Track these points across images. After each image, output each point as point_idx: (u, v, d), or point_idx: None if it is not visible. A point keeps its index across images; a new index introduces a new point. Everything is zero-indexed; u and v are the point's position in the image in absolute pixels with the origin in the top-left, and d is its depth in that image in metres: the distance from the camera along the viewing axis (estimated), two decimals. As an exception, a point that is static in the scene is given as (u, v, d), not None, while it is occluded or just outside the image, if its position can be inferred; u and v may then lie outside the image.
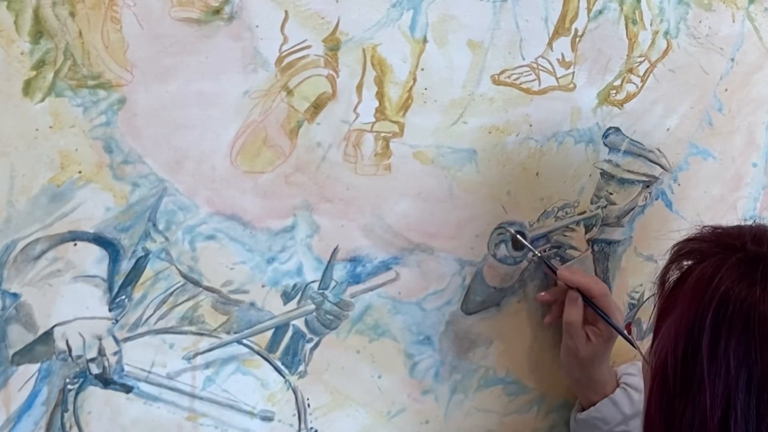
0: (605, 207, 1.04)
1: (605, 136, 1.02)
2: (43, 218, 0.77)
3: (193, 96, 0.80)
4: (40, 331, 0.79)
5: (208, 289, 0.85)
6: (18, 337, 0.78)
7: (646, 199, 1.07)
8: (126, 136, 0.79)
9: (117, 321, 0.82)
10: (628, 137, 1.03)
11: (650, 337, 0.76)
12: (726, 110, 1.09)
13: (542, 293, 1.00)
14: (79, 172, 0.78)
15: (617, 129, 1.02)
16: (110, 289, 0.81)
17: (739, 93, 1.09)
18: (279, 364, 0.89)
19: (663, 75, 1.03)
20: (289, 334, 0.89)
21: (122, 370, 0.83)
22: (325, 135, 0.87)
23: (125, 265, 0.81)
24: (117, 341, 0.82)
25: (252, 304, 0.87)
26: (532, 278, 1.01)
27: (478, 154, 0.94)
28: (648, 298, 1.09)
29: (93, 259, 0.80)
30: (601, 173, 1.03)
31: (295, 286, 0.89)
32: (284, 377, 0.90)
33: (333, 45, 0.85)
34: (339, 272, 0.90)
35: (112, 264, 0.81)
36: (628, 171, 1.04)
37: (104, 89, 0.77)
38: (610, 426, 0.98)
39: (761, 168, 1.14)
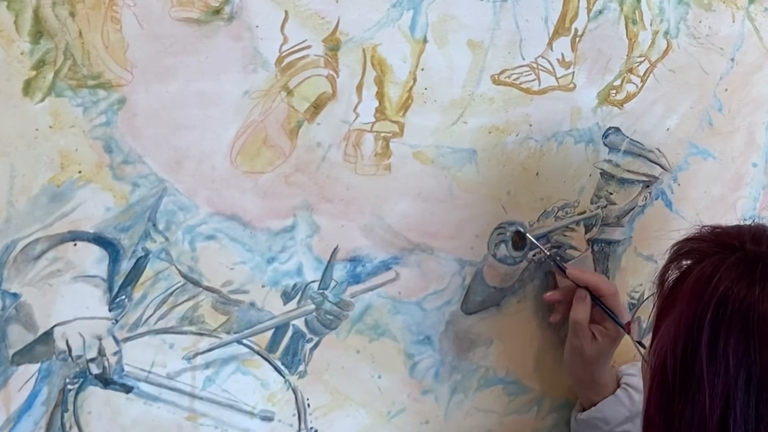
0: (605, 207, 1.04)
1: (605, 136, 1.02)
2: (43, 218, 0.77)
3: (193, 96, 0.80)
4: (40, 331, 0.79)
5: (208, 289, 0.85)
6: (18, 337, 0.78)
7: (646, 199, 1.07)
8: (126, 136, 0.79)
9: (117, 321, 0.82)
10: (628, 137, 1.03)
11: (649, 336, 0.76)
12: (726, 110, 1.09)
13: (549, 293, 1.00)
14: (79, 172, 0.78)
15: (617, 129, 1.02)
16: (110, 289, 0.81)
17: (739, 93, 1.09)
18: (279, 364, 0.89)
19: (663, 75, 1.03)
20: (289, 334, 0.89)
21: (122, 370, 0.83)
22: (325, 135, 0.87)
23: (125, 265, 0.81)
24: (117, 341, 0.82)
25: (252, 304, 0.87)
26: (532, 278, 1.01)
27: (478, 154, 0.94)
28: (647, 297, 1.09)
29: (93, 259, 0.80)
30: (601, 173, 1.03)
31: (295, 286, 0.89)
32: (284, 377, 0.90)
33: (333, 45, 0.85)
34: (339, 272, 0.90)
35: (112, 264, 0.81)
36: (628, 171, 1.04)
37: (104, 89, 0.77)
38: (611, 426, 0.98)
39: (761, 168, 1.14)
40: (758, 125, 1.12)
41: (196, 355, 0.86)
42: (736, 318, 0.66)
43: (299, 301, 0.89)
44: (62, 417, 0.81)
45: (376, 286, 0.93)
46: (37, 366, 0.79)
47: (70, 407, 0.81)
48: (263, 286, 0.87)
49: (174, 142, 0.81)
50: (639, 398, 0.97)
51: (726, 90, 1.08)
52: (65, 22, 0.74)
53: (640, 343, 0.94)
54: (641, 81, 1.02)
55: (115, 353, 0.82)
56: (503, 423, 1.03)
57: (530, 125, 0.96)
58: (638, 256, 1.08)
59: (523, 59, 0.94)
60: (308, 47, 0.84)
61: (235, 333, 0.87)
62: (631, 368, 1.02)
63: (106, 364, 0.82)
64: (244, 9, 0.81)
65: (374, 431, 0.96)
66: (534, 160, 0.97)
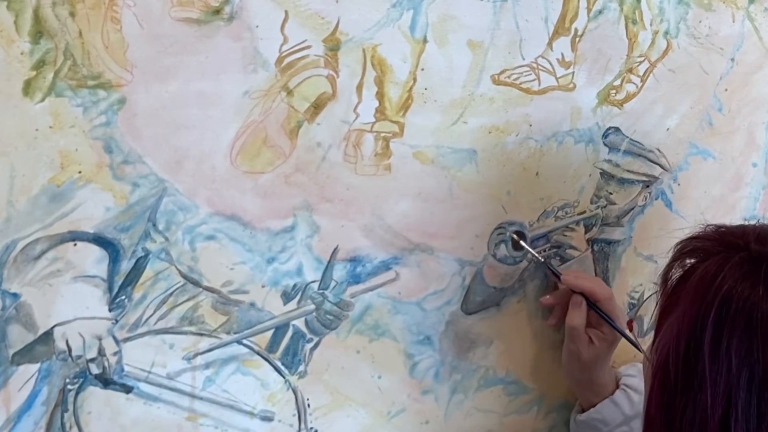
0: (605, 207, 1.04)
1: (605, 136, 1.02)
2: (43, 218, 0.77)
3: (193, 96, 0.80)
4: (40, 331, 0.79)
5: (208, 289, 0.85)
6: (18, 337, 0.78)
7: (645, 199, 1.07)
8: (126, 136, 0.79)
9: (117, 321, 0.82)
10: (627, 137, 1.03)
11: (651, 335, 0.76)
12: (726, 110, 1.09)
13: (546, 297, 1.00)
14: (79, 172, 0.78)
15: (617, 129, 1.02)
16: (110, 289, 0.81)
17: (739, 93, 1.09)
18: (279, 364, 0.89)
19: (663, 75, 1.03)
20: (289, 334, 0.89)
21: (122, 370, 0.83)
22: (325, 135, 0.87)
23: (125, 265, 0.81)
24: (117, 341, 0.82)
25: (252, 305, 0.87)
26: (532, 278, 1.01)
27: (478, 154, 0.94)
28: (648, 297, 1.09)
29: (93, 259, 0.80)
30: (601, 173, 1.03)
31: (295, 286, 0.89)
32: (284, 377, 0.90)
33: (333, 45, 0.85)
34: (339, 272, 0.90)
35: (112, 264, 0.81)
36: (628, 171, 1.04)
37: (104, 89, 0.77)
38: (610, 427, 0.98)
39: (761, 168, 1.14)
40: (758, 125, 1.12)
41: (196, 355, 0.86)
42: (739, 317, 0.66)
43: (299, 302, 0.89)
44: (62, 417, 0.81)
45: (376, 286, 0.93)
46: (37, 366, 0.79)
47: (70, 407, 0.81)
48: (263, 286, 0.87)
49: (174, 142, 0.81)
50: (638, 399, 0.97)
51: (726, 90, 1.08)
52: (65, 22, 0.74)
53: (634, 343, 0.94)
54: (641, 81, 1.02)
55: (115, 353, 0.82)
56: (503, 423, 1.03)
57: (530, 125, 0.96)
58: (638, 256, 1.08)
59: (523, 59, 0.94)
60: (308, 47, 0.84)
61: (235, 333, 0.87)
62: (630, 369, 1.02)
63: (106, 364, 0.82)
64: (244, 9, 0.81)
65: (374, 431, 0.96)
66: (534, 160, 0.97)
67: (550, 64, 0.96)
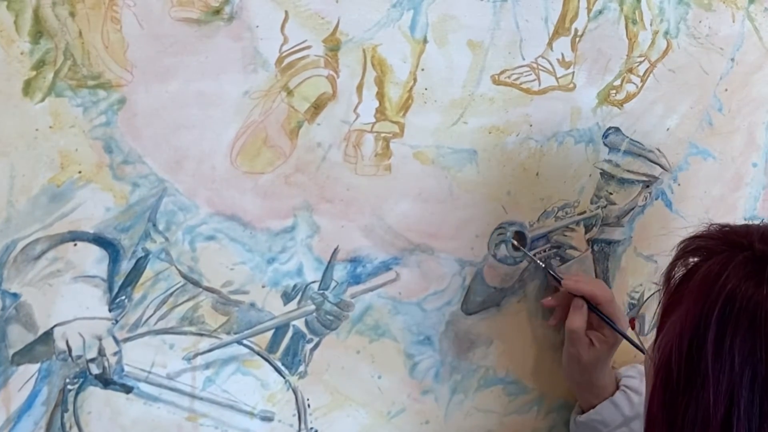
0: (605, 207, 1.04)
1: (605, 136, 1.02)
2: (43, 218, 0.77)
3: (193, 96, 0.80)
4: (40, 331, 0.79)
5: (208, 289, 0.85)
6: (18, 337, 0.78)
7: (646, 199, 1.07)
8: (126, 136, 0.79)
9: (117, 321, 0.82)
10: (628, 137, 1.03)
11: (653, 333, 0.76)
12: (726, 110, 1.09)
13: (547, 299, 1.00)
14: (79, 172, 0.78)
15: (617, 129, 1.02)
16: (110, 289, 0.81)
17: (739, 93, 1.09)
18: (279, 364, 0.89)
19: (663, 75, 1.03)
20: (290, 334, 0.89)
21: (122, 370, 0.83)
22: (325, 135, 0.87)
23: (125, 266, 0.81)
24: (117, 341, 0.82)
25: (252, 305, 0.87)
26: (532, 278, 1.01)
27: (479, 154, 0.94)
28: (648, 297, 1.09)
29: (93, 259, 0.80)
30: (601, 173, 1.03)
31: (295, 286, 0.89)
32: (284, 377, 0.90)
33: (333, 45, 0.85)
34: (339, 272, 0.90)
35: (112, 264, 0.81)
36: (628, 171, 1.04)
37: (104, 89, 0.77)
38: (610, 428, 0.98)
39: (761, 168, 1.14)
40: (758, 125, 1.12)
41: (196, 355, 0.86)
42: (743, 316, 0.66)
43: (299, 302, 0.89)
44: (62, 417, 0.81)
45: (376, 286, 0.93)
46: (37, 366, 0.79)
47: (70, 407, 0.81)
48: (263, 287, 0.87)
49: (174, 142, 0.81)
50: (638, 400, 0.97)
51: (726, 90, 1.08)
52: (65, 22, 0.74)
53: (636, 345, 0.94)
54: (641, 81, 1.02)
55: (115, 353, 0.82)
56: (503, 423, 1.03)
57: (530, 125, 0.96)
58: (638, 256, 1.08)
59: (523, 59, 0.94)
60: (308, 47, 0.84)
61: (235, 333, 0.87)
62: (630, 370, 1.02)
63: (106, 364, 0.82)
64: (244, 9, 0.81)
65: (374, 431, 0.96)
66: (534, 160, 0.97)
67: (550, 64, 0.96)
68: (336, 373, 0.92)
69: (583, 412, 1.01)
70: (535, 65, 0.95)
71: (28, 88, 0.74)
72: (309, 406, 0.92)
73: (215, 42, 0.80)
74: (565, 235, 1.02)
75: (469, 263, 0.97)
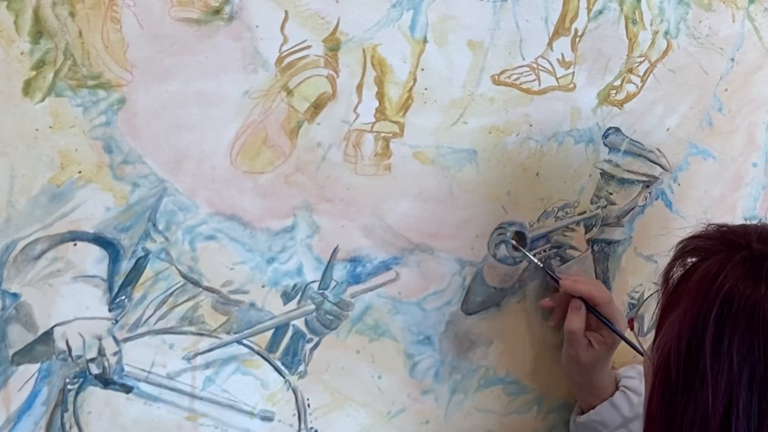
0: (605, 207, 1.04)
1: (605, 136, 1.02)
2: (43, 218, 0.77)
3: (193, 96, 0.80)
4: (40, 331, 0.79)
5: (208, 289, 0.85)
6: (18, 337, 0.78)
7: (646, 199, 1.07)
8: (126, 136, 0.79)
9: (117, 321, 0.82)
10: (628, 137, 1.03)
11: (652, 334, 0.76)
12: (726, 110, 1.09)
13: (545, 299, 1.00)
14: (79, 172, 0.78)
15: (617, 129, 1.02)
16: (110, 289, 0.81)
17: (739, 93, 1.09)
18: (279, 364, 0.89)
19: (663, 75, 1.03)
20: (289, 334, 0.89)
21: (122, 370, 0.83)
22: (325, 135, 0.87)
23: (125, 265, 0.81)
24: (117, 341, 0.82)
25: (252, 305, 0.87)
26: (532, 278, 1.01)
27: (478, 154, 0.94)
28: (648, 297, 1.09)
29: (93, 259, 0.80)
30: (601, 173, 1.03)
31: (295, 286, 0.89)
32: (284, 377, 0.90)
33: (333, 45, 0.85)
34: (339, 272, 0.90)
35: (112, 264, 0.81)
36: (628, 171, 1.04)
37: (104, 89, 0.77)
38: (610, 429, 0.98)
39: (761, 168, 1.14)
40: (758, 125, 1.12)
41: (196, 355, 0.86)
42: (741, 316, 0.66)
43: (299, 301, 0.89)
44: (62, 417, 0.81)
45: (376, 286, 0.93)
46: (37, 366, 0.79)
47: (70, 407, 0.81)
48: (263, 286, 0.87)
49: (174, 142, 0.81)
50: (638, 401, 0.97)
51: (726, 90, 1.08)
52: (65, 22, 0.74)
53: (634, 346, 0.94)
54: (641, 81, 1.02)
55: (115, 353, 0.82)
56: (503, 423, 1.03)
57: (530, 125, 0.96)
58: (638, 256, 1.08)
59: (523, 59, 0.94)
60: (308, 47, 0.84)
61: (235, 333, 0.87)
62: (630, 371, 1.02)
63: (106, 364, 0.82)
64: (244, 9, 0.81)
65: (374, 431, 0.96)
66: (534, 160, 0.97)
67: (550, 64, 0.96)
68: (336, 372, 0.92)
69: (582, 413, 1.01)
70: (535, 65, 0.95)
71: (28, 88, 0.74)
72: (309, 405, 0.92)
73: (215, 42, 0.80)
74: (565, 235, 1.02)
75: (469, 263, 0.97)
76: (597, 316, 0.95)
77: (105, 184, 0.79)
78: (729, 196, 1.13)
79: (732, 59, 1.07)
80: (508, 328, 1.01)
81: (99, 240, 0.80)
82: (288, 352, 0.90)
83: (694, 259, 0.73)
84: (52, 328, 0.79)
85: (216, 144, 0.82)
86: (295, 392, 0.91)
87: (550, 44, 0.95)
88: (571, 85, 0.98)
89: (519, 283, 1.01)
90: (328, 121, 0.86)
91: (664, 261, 0.77)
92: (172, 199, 0.82)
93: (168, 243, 0.82)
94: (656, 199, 1.08)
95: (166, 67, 0.79)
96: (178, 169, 0.81)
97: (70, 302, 0.79)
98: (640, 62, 1.01)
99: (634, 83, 1.02)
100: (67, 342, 0.80)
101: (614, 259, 1.07)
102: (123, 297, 0.82)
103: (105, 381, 0.82)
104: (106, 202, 0.79)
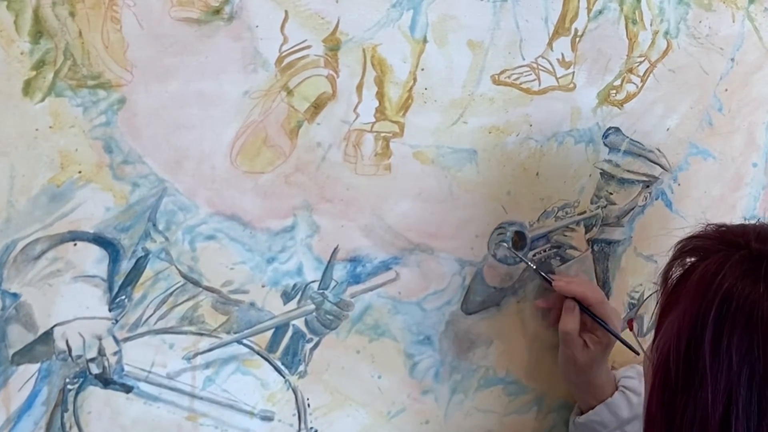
0: (605, 207, 1.04)
1: (605, 136, 1.02)
2: (43, 218, 0.77)
3: (193, 96, 0.80)
4: (40, 331, 0.79)
5: (208, 289, 0.85)
6: (18, 337, 0.78)
7: (646, 199, 1.07)
8: (126, 136, 0.79)
9: (117, 321, 0.82)
10: (628, 137, 1.03)
11: (651, 334, 0.76)
12: (726, 110, 1.09)
13: (540, 300, 1.00)
14: (79, 172, 0.78)
15: (617, 129, 1.02)
16: (110, 289, 0.81)
17: (739, 93, 1.09)
18: (279, 364, 0.89)
19: (663, 75, 1.03)
20: (289, 334, 0.89)
21: (122, 370, 0.83)
22: (325, 135, 0.87)
23: (125, 265, 0.81)
24: (117, 341, 0.82)
25: (252, 304, 0.87)
26: (533, 278, 1.01)
27: (478, 154, 0.94)
28: (648, 297, 1.09)
29: (93, 259, 0.80)
30: (601, 173, 1.03)
31: (295, 286, 0.89)
32: (284, 377, 0.90)
33: (333, 45, 0.85)
34: (339, 272, 0.90)
35: (112, 264, 0.81)
36: (628, 171, 1.04)
37: (104, 89, 0.77)
38: (609, 429, 0.98)
39: (761, 168, 1.14)
40: (758, 125, 1.12)
41: (196, 355, 0.86)
42: (739, 315, 0.66)
43: (299, 301, 0.89)
44: (62, 417, 0.81)
45: (376, 286, 0.93)
46: (37, 366, 0.79)
47: (70, 407, 0.81)
48: (263, 286, 0.87)
49: (174, 142, 0.81)
50: (637, 401, 0.97)
51: (726, 90, 1.08)
52: (65, 22, 0.74)
53: (629, 346, 0.94)
54: (641, 81, 1.02)
55: (115, 353, 0.82)
56: (503, 423, 1.03)
57: (530, 125, 0.96)
58: (638, 256, 1.08)
59: (523, 59, 0.94)
60: (308, 47, 0.84)
61: (235, 333, 0.87)
62: (629, 371, 1.02)
63: (106, 364, 0.82)
64: (244, 9, 0.81)
65: (374, 431, 0.96)
66: (534, 160, 0.97)
67: (550, 64, 0.96)
68: (336, 372, 0.92)
69: (582, 413, 1.01)
70: (535, 65, 0.95)
71: (28, 88, 0.74)
72: (309, 405, 0.92)
73: (215, 42, 0.80)
74: (565, 235, 1.02)
75: (469, 263, 0.97)
76: (591, 316, 0.96)
77: (105, 184, 0.79)
78: (729, 196, 1.13)
79: (732, 59, 1.07)
80: (508, 328, 1.01)
81: (99, 240, 0.80)
82: (288, 352, 0.90)
83: (693, 259, 0.73)
84: (52, 328, 0.79)
85: (216, 144, 0.82)
86: (295, 392, 0.91)
87: (550, 44, 0.95)
88: (571, 85, 0.98)
89: (519, 283, 1.01)
90: (328, 121, 0.86)
91: (664, 261, 0.77)
92: (172, 199, 0.82)
93: (168, 243, 0.82)
94: (656, 199, 1.08)
95: (166, 67, 0.79)
96: (178, 169, 0.81)
97: (70, 302, 0.79)
98: (640, 62, 1.01)
99: (634, 83, 1.02)
100: (67, 342, 0.80)
101: (614, 259, 1.07)
102: (123, 297, 0.82)
103: (105, 381, 0.82)
104: (106, 202, 0.79)
